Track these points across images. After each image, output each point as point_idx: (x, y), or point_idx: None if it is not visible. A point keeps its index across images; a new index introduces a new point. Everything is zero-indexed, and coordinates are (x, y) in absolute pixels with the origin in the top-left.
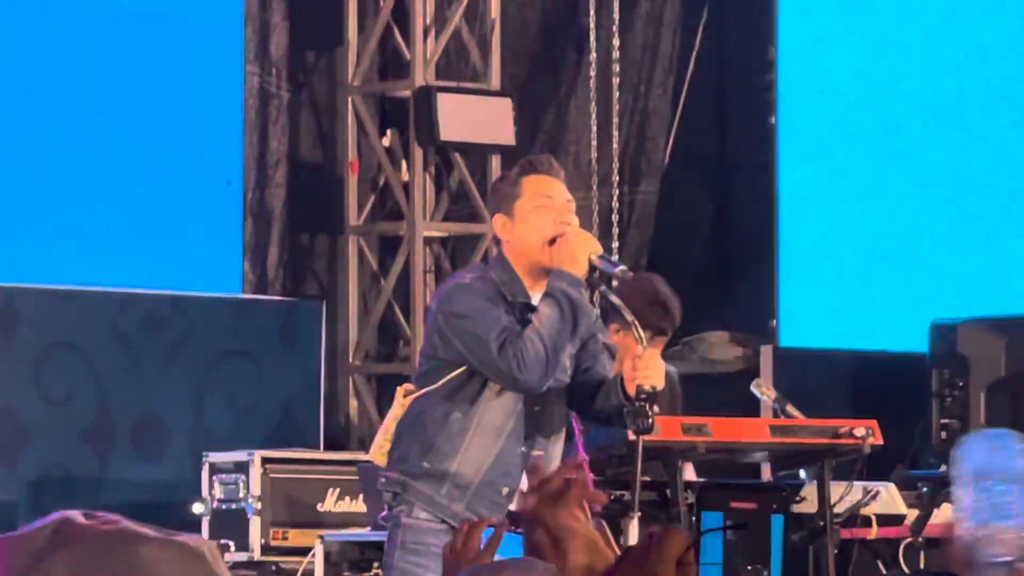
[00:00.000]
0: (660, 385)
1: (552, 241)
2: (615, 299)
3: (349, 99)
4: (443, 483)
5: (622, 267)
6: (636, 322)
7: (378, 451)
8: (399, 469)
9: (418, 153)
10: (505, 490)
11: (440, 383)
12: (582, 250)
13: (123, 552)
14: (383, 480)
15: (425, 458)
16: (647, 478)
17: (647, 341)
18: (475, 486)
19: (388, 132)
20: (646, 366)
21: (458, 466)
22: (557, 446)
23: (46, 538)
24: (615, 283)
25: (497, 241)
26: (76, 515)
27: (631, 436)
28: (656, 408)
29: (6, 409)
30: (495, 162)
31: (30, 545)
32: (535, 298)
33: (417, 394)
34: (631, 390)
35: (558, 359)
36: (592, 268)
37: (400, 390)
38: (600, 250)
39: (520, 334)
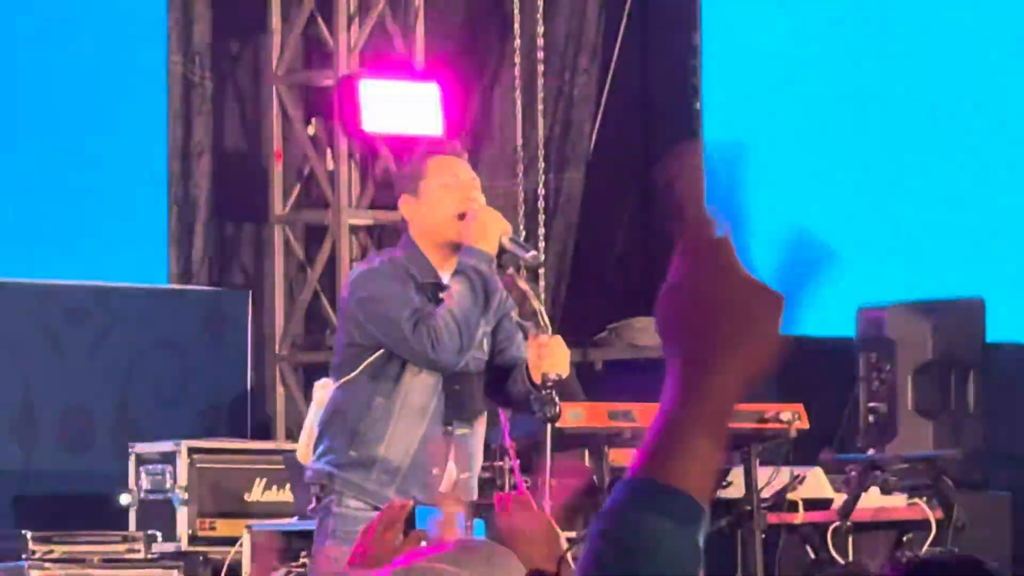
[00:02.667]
0: (565, 373)
1: (461, 216)
2: (523, 284)
3: (273, 88)
4: (372, 469)
5: (533, 252)
6: (542, 309)
7: (304, 450)
8: (325, 460)
9: (342, 142)
10: (435, 470)
11: (359, 369)
12: (493, 226)
13: None
14: (310, 474)
15: (351, 447)
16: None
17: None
18: (405, 469)
19: (312, 121)
20: (551, 354)
21: (386, 450)
22: (480, 427)
23: None
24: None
25: (404, 224)
26: None
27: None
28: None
29: None
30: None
31: None
32: (444, 277)
33: (335, 384)
34: (536, 378)
35: (472, 335)
36: (502, 250)
37: (317, 386)
38: (510, 231)
39: (432, 313)
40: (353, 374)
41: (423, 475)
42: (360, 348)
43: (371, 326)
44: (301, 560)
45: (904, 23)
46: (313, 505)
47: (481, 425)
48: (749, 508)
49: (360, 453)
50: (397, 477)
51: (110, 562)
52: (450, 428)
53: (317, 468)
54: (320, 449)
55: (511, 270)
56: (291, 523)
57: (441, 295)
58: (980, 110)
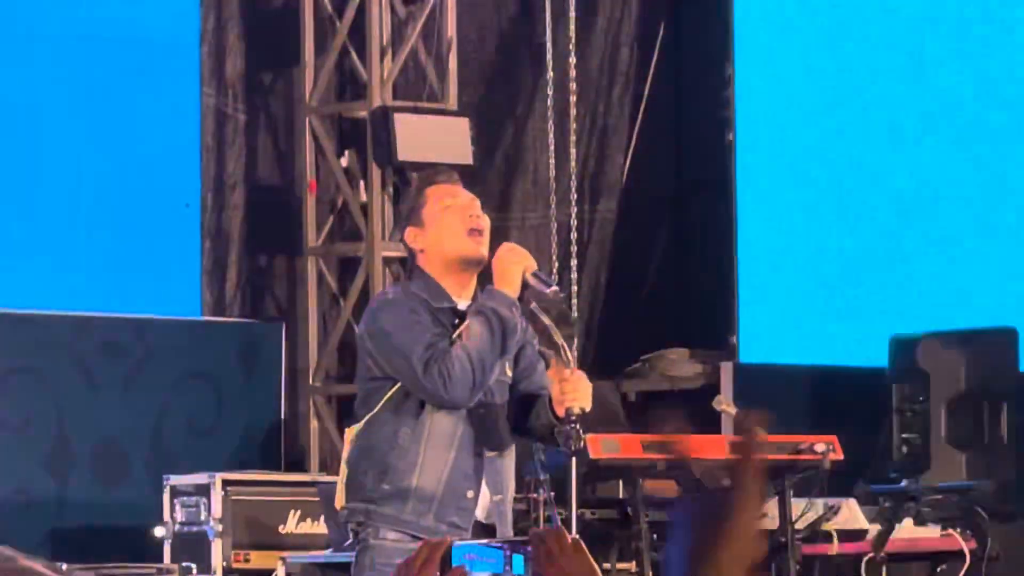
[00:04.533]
0: (588, 407)
1: (470, 233)
2: (546, 319)
3: (306, 120)
4: (407, 500)
5: (554, 287)
6: (565, 345)
7: (342, 494)
8: (359, 498)
9: (376, 174)
10: (470, 494)
11: (381, 403)
12: (516, 266)
13: None
14: (345, 513)
15: (384, 481)
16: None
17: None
18: (439, 496)
19: (346, 153)
20: (574, 388)
21: (418, 480)
22: (510, 451)
23: None
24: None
25: (412, 255)
26: None
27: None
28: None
29: None
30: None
31: None
32: (460, 303)
33: (361, 423)
34: (560, 412)
35: (486, 377)
36: (524, 284)
37: (348, 431)
38: (535, 267)
39: (447, 350)
40: (376, 409)
41: (458, 500)
42: (380, 382)
43: (384, 362)
44: None
45: (939, 55)
46: (350, 540)
47: (511, 450)
48: (784, 539)
49: (393, 485)
50: (433, 504)
51: None
52: (480, 453)
53: (352, 507)
54: (353, 487)
55: (533, 304)
56: (326, 555)
57: (457, 321)
58: (1012, 141)
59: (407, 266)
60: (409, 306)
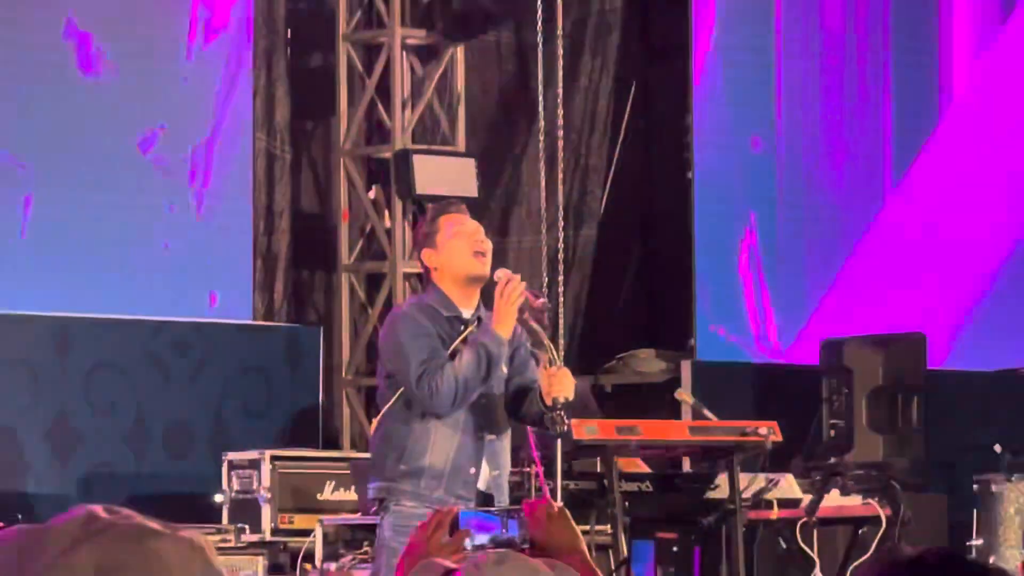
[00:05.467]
0: (571, 397)
1: (475, 255)
2: (535, 325)
3: (341, 160)
4: (421, 477)
5: (542, 300)
6: (551, 345)
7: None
8: (382, 476)
9: (398, 204)
10: (472, 470)
11: (395, 397)
12: (513, 307)
13: (140, 545)
14: (371, 491)
15: (401, 462)
16: (587, 471)
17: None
18: (447, 473)
19: (373, 187)
20: (559, 381)
21: (429, 460)
22: (506, 434)
23: (74, 530)
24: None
25: (426, 272)
26: (99, 510)
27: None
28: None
29: (61, 417)
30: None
31: (59, 536)
32: (465, 312)
33: (380, 414)
34: (548, 401)
35: (467, 397)
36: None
37: (374, 421)
38: (525, 284)
39: (440, 367)
40: (392, 401)
41: (463, 475)
42: (394, 379)
43: (391, 366)
44: (364, 548)
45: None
46: (376, 507)
47: (506, 433)
48: (732, 507)
49: (409, 466)
50: (442, 480)
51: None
52: (481, 436)
53: (376, 485)
54: (375, 469)
55: (526, 314)
56: (356, 518)
57: (462, 327)
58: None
59: (423, 280)
60: (416, 322)
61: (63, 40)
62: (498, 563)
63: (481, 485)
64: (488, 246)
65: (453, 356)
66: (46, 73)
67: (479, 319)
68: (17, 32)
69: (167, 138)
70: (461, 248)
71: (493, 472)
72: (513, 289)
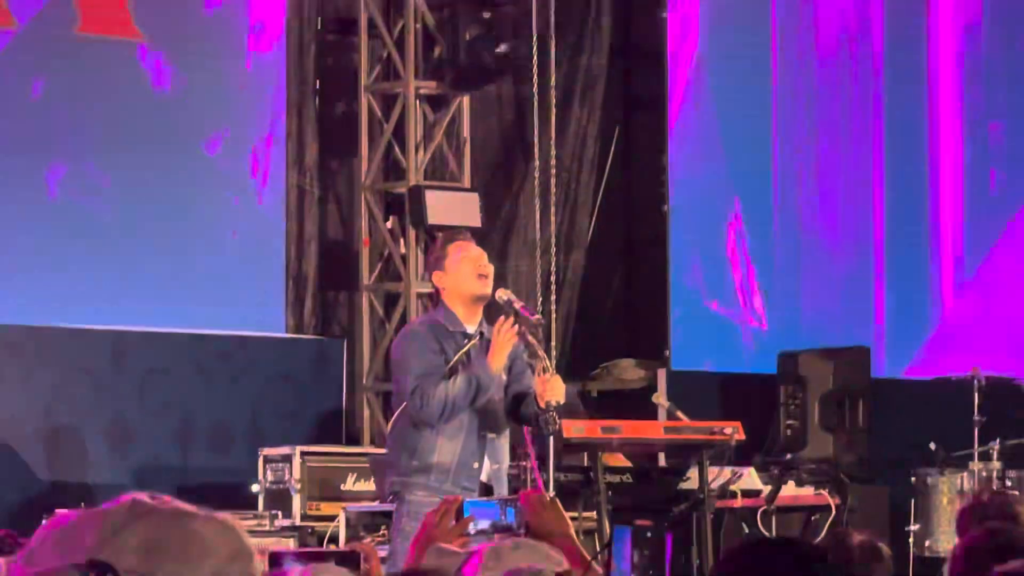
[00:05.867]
0: (562, 400)
1: (479, 277)
2: (531, 338)
3: (363, 195)
4: (431, 472)
5: (537, 316)
6: (545, 355)
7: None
8: (396, 472)
9: (412, 233)
10: (476, 465)
11: (405, 402)
12: (508, 347)
13: (180, 525)
14: (388, 485)
15: (413, 459)
16: (577, 464)
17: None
18: (453, 468)
19: (390, 218)
20: (552, 387)
21: (438, 457)
22: (504, 434)
23: (123, 513)
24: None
25: (436, 292)
26: (144, 496)
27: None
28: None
29: (118, 417)
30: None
31: (110, 519)
32: (469, 328)
33: (394, 416)
34: (542, 404)
35: (454, 414)
36: (516, 313)
37: (389, 424)
38: (513, 298)
39: (435, 384)
40: (404, 405)
41: (467, 470)
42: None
43: (396, 375)
44: (381, 531)
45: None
46: (392, 498)
47: (505, 432)
48: (702, 496)
49: (420, 462)
50: (449, 474)
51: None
52: (483, 435)
53: (392, 479)
54: (389, 466)
55: (524, 328)
56: (374, 506)
57: (466, 340)
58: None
59: (434, 299)
60: (420, 339)
61: (141, 65)
62: (515, 548)
63: (483, 478)
64: (490, 269)
65: (455, 368)
66: (125, 91)
67: (481, 334)
68: (98, 62)
69: (229, 145)
70: (466, 271)
71: (493, 466)
72: (508, 331)
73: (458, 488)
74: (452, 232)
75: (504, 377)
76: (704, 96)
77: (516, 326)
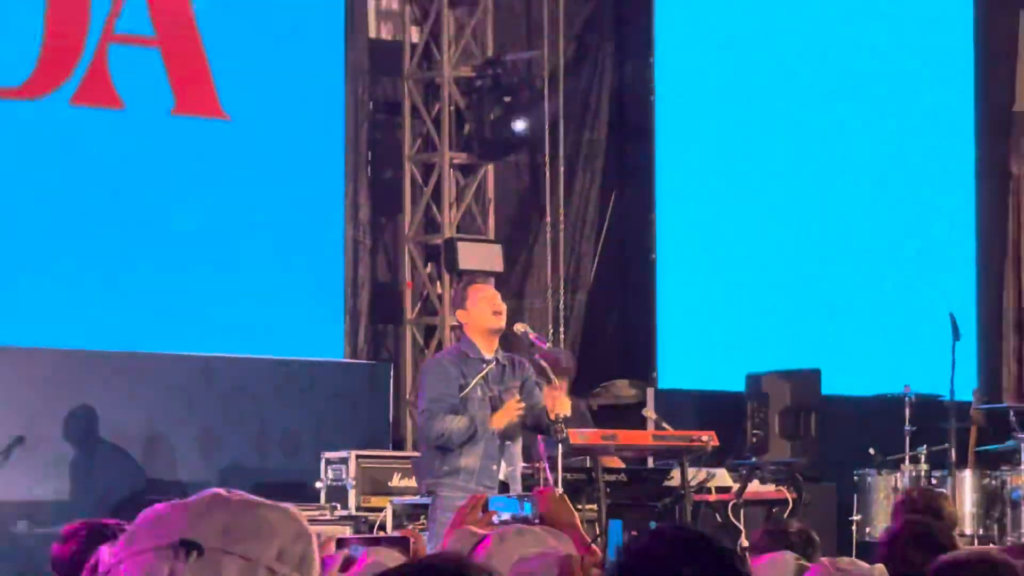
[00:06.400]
0: (568, 413)
1: (495, 313)
2: (543, 363)
3: (406, 245)
4: (459, 474)
5: (548, 344)
6: (553, 376)
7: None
8: (431, 475)
9: (446, 277)
10: (495, 467)
11: None
12: (512, 415)
13: (253, 512)
14: (423, 485)
15: (444, 464)
16: (581, 466)
17: (560, 383)
18: (477, 470)
19: (429, 264)
20: (560, 402)
21: (464, 462)
22: (517, 444)
23: (205, 503)
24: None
25: (460, 326)
26: (222, 490)
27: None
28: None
29: (206, 427)
30: (491, 282)
31: (195, 507)
32: (487, 355)
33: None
34: (552, 416)
35: (449, 443)
36: (531, 343)
37: None
38: (529, 330)
39: (442, 411)
40: None
41: (488, 472)
42: None
43: (419, 395)
44: (421, 520)
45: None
46: (427, 493)
47: (519, 439)
48: (683, 492)
49: (449, 467)
50: (473, 475)
51: (310, 521)
52: (501, 442)
53: (427, 480)
54: (423, 471)
55: (537, 355)
56: (415, 499)
57: (484, 365)
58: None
59: (457, 332)
60: (441, 368)
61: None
62: (517, 534)
63: (501, 477)
64: (503, 307)
65: (465, 390)
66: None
67: (496, 360)
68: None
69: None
70: (484, 309)
71: (509, 468)
72: (515, 409)
73: (481, 487)
74: (472, 276)
75: (517, 396)
76: (687, 167)
77: (522, 405)
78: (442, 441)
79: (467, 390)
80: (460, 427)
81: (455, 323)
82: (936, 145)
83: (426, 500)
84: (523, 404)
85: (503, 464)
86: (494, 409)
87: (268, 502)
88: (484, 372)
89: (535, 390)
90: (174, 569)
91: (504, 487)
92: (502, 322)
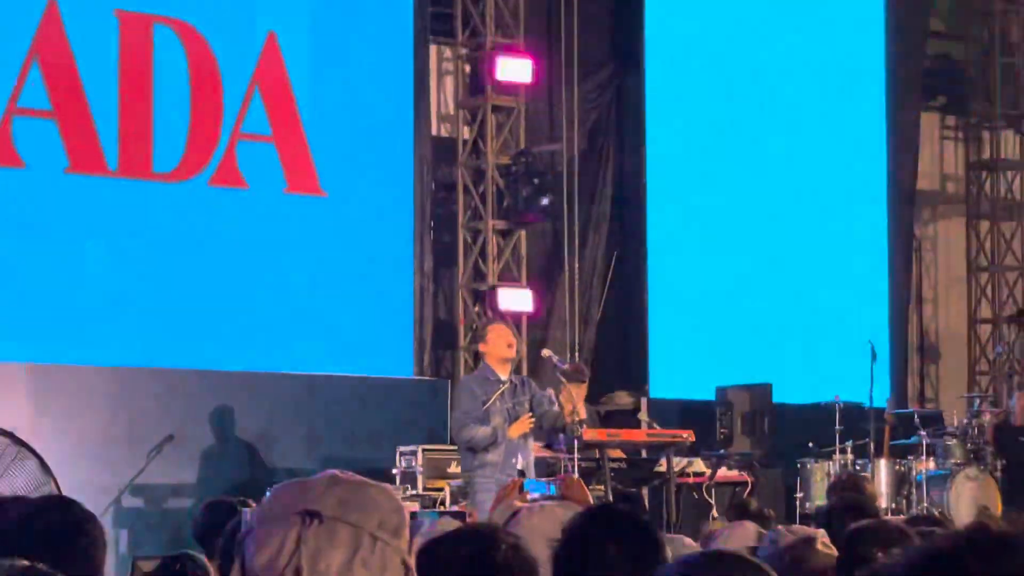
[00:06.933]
0: (585, 416)
1: (507, 347)
2: (562, 378)
3: (460, 291)
4: (486, 467)
5: (567, 365)
6: (577, 381)
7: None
8: (467, 468)
9: (490, 314)
10: (513, 460)
11: None
12: (518, 431)
13: (362, 489)
14: (463, 473)
15: (475, 460)
16: (589, 457)
17: (576, 390)
18: (501, 463)
19: (477, 305)
20: (580, 406)
21: (489, 458)
22: (530, 442)
23: (325, 481)
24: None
25: (481, 354)
26: (338, 472)
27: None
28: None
29: (310, 428)
30: (524, 320)
31: (316, 484)
32: (502, 377)
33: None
34: (570, 419)
35: (473, 445)
36: (555, 366)
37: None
38: (554, 355)
39: (470, 421)
40: None
41: (510, 463)
42: None
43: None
44: (463, 502)
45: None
46: (464, 482)
47: (531, 438)
48: (668, 476)
49: (479, 462)
50: (498, 467)
51: None
52: (518, 441)
53: (464, 472)
54: (464, 462)
55: (558, 372)
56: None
57: (500, 384)
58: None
59: (479, 358)
60: (469, 386)
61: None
62: (545, 507)
63: (519, 466)
64: (515, 341)
65: (487, 407)
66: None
67: (510, 380)
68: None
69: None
70: (500, 344)
71: (525, 460)
72: (526, 423)
73: (504, 476)
74: (489, 318)
75: (526, 406)
76: (671, 231)
77: (532, 420)
78: (471, 444)
79: (488, 404)
80: (484, 435)
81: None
82: (859, 212)
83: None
84: (534, 419)
85: (520, 458)
86: (512, 418)
87: (373, 482)
88: (501, 390)
89: (544, 400)
90: (301, 533)
91: (522, 474)
92: (513, 352)
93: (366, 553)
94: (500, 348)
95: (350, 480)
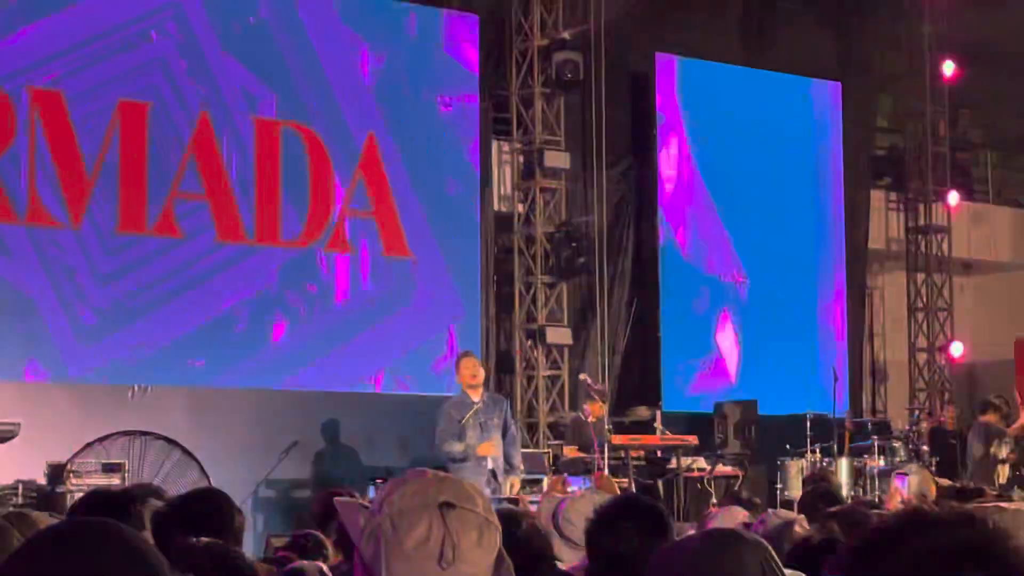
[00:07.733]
0: (605, 421)
1: (472, 376)
2: (594, 395)
3: (516, 331)
4: (464, 469)
5: (599, 386)
6: (602, 399)
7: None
8: (449, 469)
9: (540, 348)
10: (484, 463)
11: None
12: (487, 452)
13: (461, 485)
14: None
15: (454, 463)
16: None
17: (602, 405)
18: (473, 465)
19: (529, 340)
20: (601, 415)
21: (467, 463)
22: (498, 449)
23: (435, 479)
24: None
25: (456, 380)
26: (415, 470)
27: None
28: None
29: (402, 436)
30: (565, 352)
31: (430, 480)
32: (475, 399)
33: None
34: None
35: (451, 459)
36: (588, 389)
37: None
38: (587, 377)
39: (447, 438)
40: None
41: (481, 465)
42: None
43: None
44: (526, 489)
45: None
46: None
47: (499, 448)
48: (679, 471)
49: (457, 464)
50: (471, 468)
51: None
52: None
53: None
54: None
55: (591, 392)
56: (526, 475)
57: (471, 405)
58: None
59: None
60: (449, 405)
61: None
62: (581, 498)
63: (490, 467)
64: (480, 372)
65: (461, 423)
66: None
67: (483, 400)
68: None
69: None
70: (465, 375)
71: (494, 463)
72: (493, 447)
73: (478, 474)
74: (462, 354)
75: (496, 433)
76: (678, 281)
77: (497, 447)
78: (448, 456)
79: (464, 420)
80: (459, 451)
81: (547, 374)
82: (824, 267)
83: (528, 476)
84: (499, 447)
85: (489, 461)
86: (483, 430)
87: (452, 477)
88: (474, 409)
89: (511, 426)
90: (445, 517)
91: (493, 473)
92: (478, 381)
93: (485, 533)
94: (466, 377)
95: (447, 477)
